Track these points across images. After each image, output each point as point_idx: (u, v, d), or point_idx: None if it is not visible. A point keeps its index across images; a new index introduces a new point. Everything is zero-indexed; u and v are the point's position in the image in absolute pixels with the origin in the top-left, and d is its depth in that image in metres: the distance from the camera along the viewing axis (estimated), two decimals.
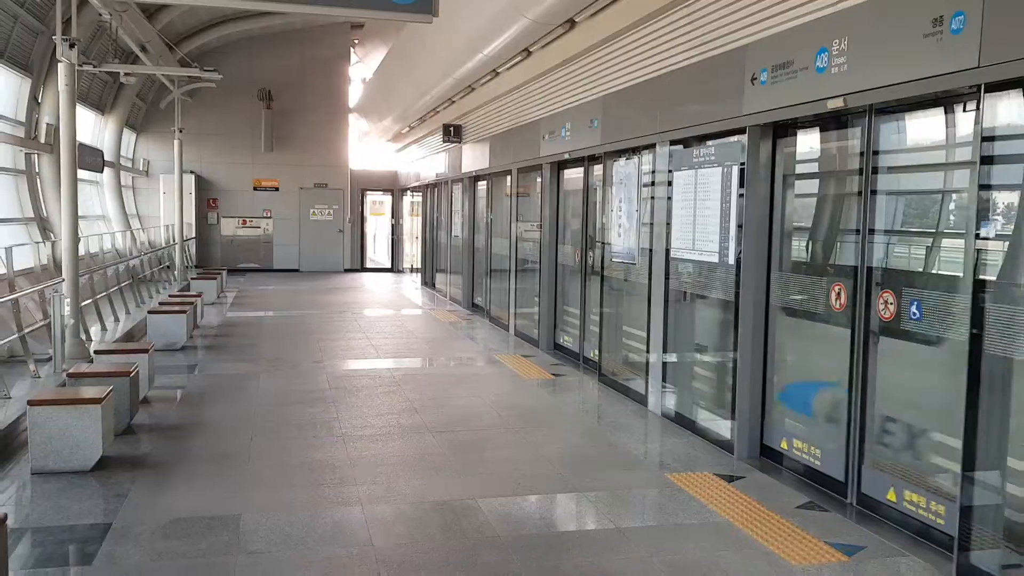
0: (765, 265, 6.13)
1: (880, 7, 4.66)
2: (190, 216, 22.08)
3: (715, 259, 6.60)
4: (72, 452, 5.59)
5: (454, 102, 15.39)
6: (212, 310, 14.57)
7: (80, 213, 12.99)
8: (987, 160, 4.03)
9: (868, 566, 4.33)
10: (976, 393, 4.10)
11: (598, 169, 9.28)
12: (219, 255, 23.41)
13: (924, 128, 4.83)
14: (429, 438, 6.71)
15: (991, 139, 4.01)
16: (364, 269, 24.93)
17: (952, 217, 4.68)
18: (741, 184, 6.18)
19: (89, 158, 15.43)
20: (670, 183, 7.31)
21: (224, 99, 21.79)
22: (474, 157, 14.72)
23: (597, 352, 9.30)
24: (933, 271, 4.81)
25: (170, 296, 13.23)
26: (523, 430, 7.09)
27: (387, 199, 25.87)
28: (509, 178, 12.74)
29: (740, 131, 6.15)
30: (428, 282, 20.63)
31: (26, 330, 8.08)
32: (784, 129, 5.97)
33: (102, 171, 17.56)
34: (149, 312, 10.76)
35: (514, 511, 5.15)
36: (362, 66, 26.02)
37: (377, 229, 27.01)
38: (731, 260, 6.34)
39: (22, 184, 12.95)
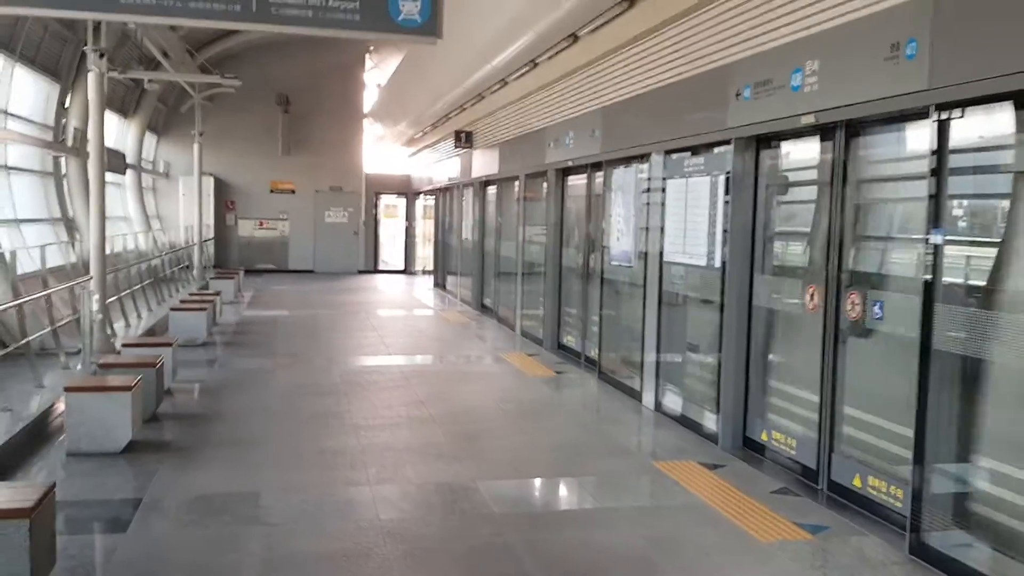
0: (748, 268, 6.55)
1: (846, 32, 5.08)
2: (208, 217, 22.62)
3: (703, 263, 7.02)
4: (104, 435, 6.06)
5: (465, 109, 15.85)
6: (230, 309, 15.09)
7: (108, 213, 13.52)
8: (936, 172, 4.44)
9: (829, 543, 4.75)
10: (926, 387, 4.51)
11: (599, 176, 9.72)
12: (236, 256, 23.97)
13: (887, 142, 5.25)
14: (434, 428, 7.16)
15: (939, 153, 4.42)
16: (377, 271, 25.44)
17: (908, 224, 5.08)
18: (727, 192, 6.60)
19: (113, 161, 15.96)
20: (664, 190, 7.73)
21: (242, 103, 22.31)
22: (484, 162, 15.18)
23: (597, 351, 9.73)
24: (892, 274, 5.22)
25: (190, 294, 13.75)
26: (523, 422, 7.53)
27: (401, 202, 26.37)
28: (517, 183, 13.19)
29: (726, 142, 6.57)
30: (440, 284, 21.10)
31: (57, 324, 8.58)
32: (767, 141, 6.39)
33: (124, 173, 18.12)
34: (171, 309, 11.28)
35: (510, 492, 5.60)
36: (377, 71, 26.53)
37: (391, 232, 27.50)
38: (717, 264, 6.76)
39: (49, 186, 13.50)
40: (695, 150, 7.19)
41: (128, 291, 12.09)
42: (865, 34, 4.90)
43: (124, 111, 18.40)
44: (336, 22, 5.79)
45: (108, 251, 13.51)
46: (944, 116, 4.36)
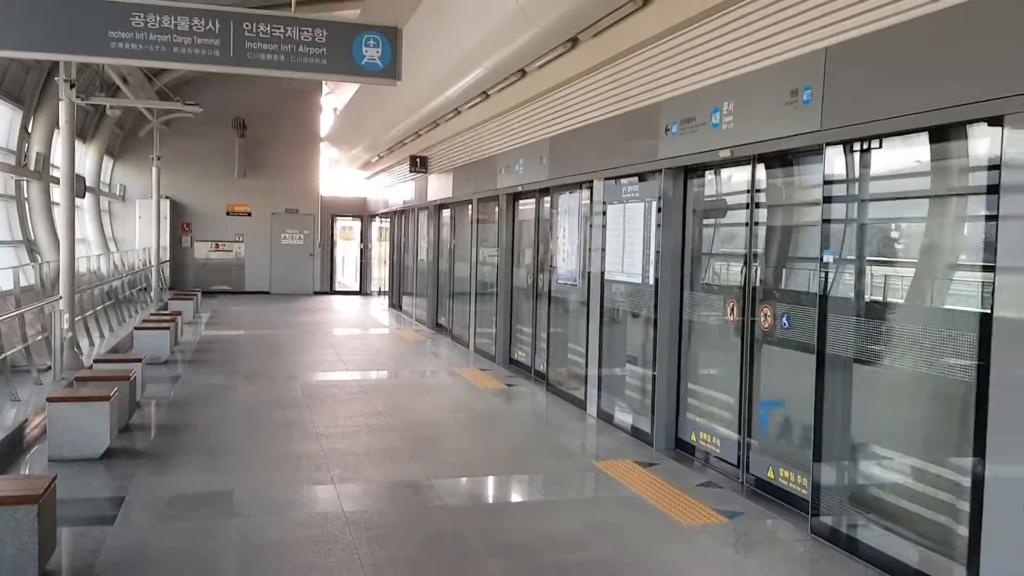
0: (679, 286, 7.25)
1: (756, 78, 5.81)
2: (165, 240, 22.83)
3: (639, 280, 7.71)
4: (85, 442, 6.50)
5: (420, 135, 16.47)
6: (189, 329, 15.42)
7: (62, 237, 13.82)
8: (827, 200, 5.17)
9: (743, 525, 5.41)
10: (822, 387, 5.21)
11: (547, 201, 10.40)
12: (192, 277, 24.20)
13: (790, 174, 5.99)
14: (392, 435, 7.71)
15: (830, 183, 5.16)
16: (333, 292, 25.82)
17: (808, 246, 5.81)
18: (659, 216, 7.30)
19: (82, 187, 16.26)
20: (604, 214, 8.42)
21: (199, 127, 22.63)
22: (439, 187, 15.79)
23: (546, 365, 10.36)
24: (796, 289, 5.94)
25: (152, 315, 14.08)
26: (475, 429, 8.11)
27: (356, 224, 26.83)
28: (470, 207, 13.82)
29: (658, 172, 7.28)
30: (395, 304, 21.60)
31: (29, 341, 8.94)
32: (693, 171, 7.11)
33: (84, 197, 18.35)
34: (135, 328, 11.65)
35: (462, 488, 6.19)
36: (333, 96, 27.05)
37: (346, 253, 27.91)
38: (651, 281, 7.46)
39: (12, 210, 13.77)
40: (631, 178, 7.89)
41: (91, 311, 12.40)
42: (771, 80, 5.64)
43: (83, 136, 18.65)
44: (305, 66, 6.39)
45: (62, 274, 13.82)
46: (832, 152, 5.11)
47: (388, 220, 22.89)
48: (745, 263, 6.26)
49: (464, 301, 14.34)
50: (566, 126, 9.40)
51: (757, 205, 6.17)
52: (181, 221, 24.23)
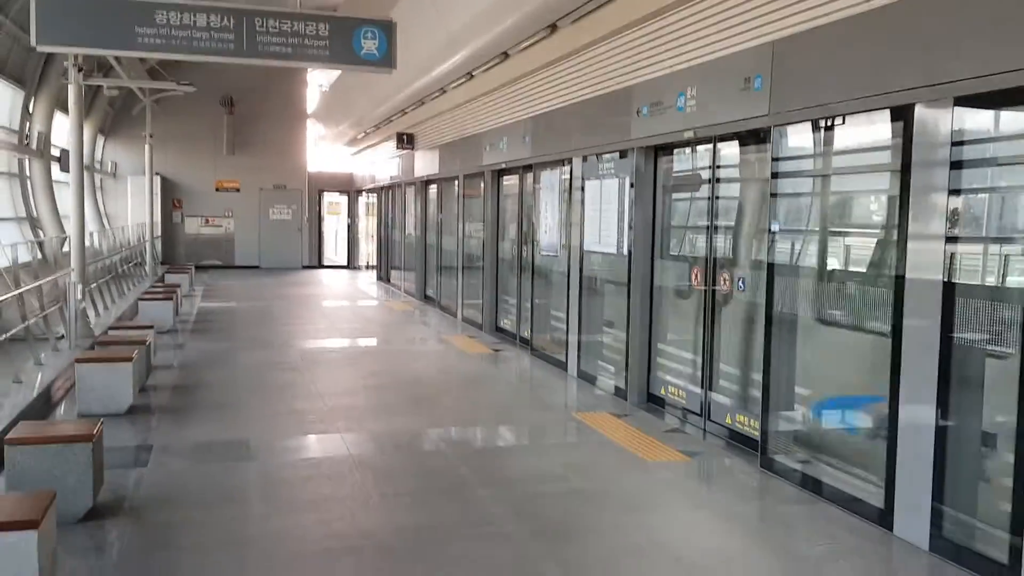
0: (650, 255, 7.96)
1: (715, 66, 6.48)
2: (156, 216, 23.32)
3: (615, 251, 8.41)
4: (110, 399, 7.16)
5: (407, 113, 17.02)
6: (186, 302, 16.01)
7: (62, 213, 14.42)
8: (775, 176, 5.88)
9: (700, 461, 6.18)
10: (770, 341, 5.94)
11: (530, 177, 11.06)
12: (184, 252, 24.72)
13: (746, 153, 6.68)
14: (388, 393, 8.41)
15: (777, 161, 5.86)
16: (321, 266, 26.41)
17: (759, 218, 6.52)
18: (632, 192, 7.99)
19: (67, 162, 16.74)
20: (583, 190, 9.10)
21: (188, 105, 23.01)
22: (425, 163, 16.40)
23: (530, 331, 11.07)
24: (751, 257, 6.66)
25: (152, 287, 14.68)
26: (465, 388, 8.84)
27: (343, 200, 27.36)
28: (457, 183, 14.45)
29: (631, 150, 7.96)
30: (383, 278, 22.23)
31: (47, 311, 9.55)
32: (662, 150, 7.79)
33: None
34: (139, 299, 12.27)
35: (455, 435, 6.92)
36: (319, 73, 27.45)
37: (334, 228, 28.44)
38: (625, 252, 8.16)
39: (15, 187, 14.29)
40: (607, 156, 8.57)
41: (95, 284, 12.97)
42: (728, 69, 6.31)
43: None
44: (310, 56, 7.03)
45: (68, 249, 14.37)
46: (777, 134, 5.81)
47: (375, 195, 23.46)
48: (707, 234, 6.97)
49: (452, 273, 15.01)
50: (547, 106, 10.04)
51: (717, 181, 6.87)
52: (172, 197, 24.70)
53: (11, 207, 14.13)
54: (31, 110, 14.43)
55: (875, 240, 5.40)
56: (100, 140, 22.48)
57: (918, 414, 4.60)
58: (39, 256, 12.47)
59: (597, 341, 9.09)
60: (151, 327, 9.35)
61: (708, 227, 6.96)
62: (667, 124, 7.20)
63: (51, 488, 4.10)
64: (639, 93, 7.68)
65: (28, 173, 14.68)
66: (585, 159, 9.05)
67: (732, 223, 6.92)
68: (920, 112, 4.57)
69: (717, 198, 6.89)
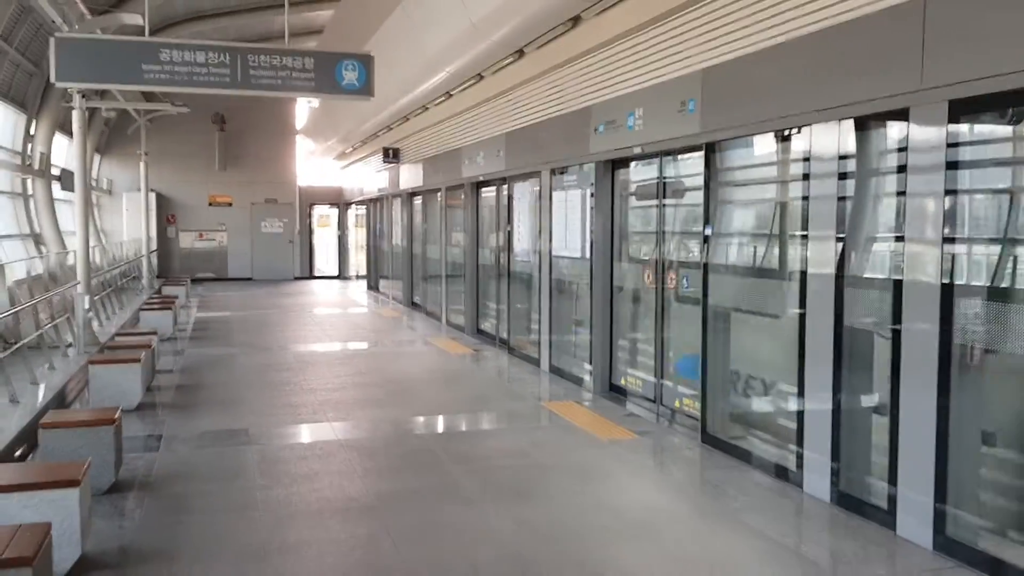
0: (609, 258, 8.77)
1: (658, 90, 7.30)
2: (151, 231, 24.06)
3: (579, 255, 9.23)
4: (121, 396, 7.92)
5: (392, 128, 17.85)
6: (182, 312, 16.75)
7: (62, 230, 15.17)
8: (709, 185, 6.70)
9: (649, 439, 6.98)
10: (707, 331, 6.76)
11: (505, 188, 11.88)
12: (178, 266, 25.48)
13: (686, 167, 7.50)
14: (374, 389, 9.20)
15: (708, 174, 6.69)
16: (313, 277, 27.19)
17: (696, 222, 7.34)
18: (592, 201, 8.81)
19: (66, 180, 17.50)
20: (551, 200, 9.92)
21: (181, 123, 23.75)
22: (410, 176, 17.21)
23: (507, 332, 11.87)
24: (693, 258, 7.48)
25: (151, 298, 15.43)
26: (446, 383, 9.62)
27: (333, 212, 28.16)
28: (439, 194, 15.27)
29: (590, 164, 8.78)
30: (373, 286, 23.02)
31: (56, 321, 10.31)
32: (618, 163, 8.61)
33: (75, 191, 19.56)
34: (141, 309, 13.03)
35: (433, 422, 7.71)
36: None
37: (324, 240, 29.22)
38: (588, 255, 8.97)
39: (19, 205, 15.04)
40: (571, 169, 9.39)
41: (98, 296, 13.73)
42: (668, 93, 7.14)
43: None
44: (297, 88, 7.86)
45: (71, 263, 15.12)
46: (709, 151, 6.64)
47: (364, 207, 24.26)
48: (657, 238, 7.79)
49: (436, 280, 15.81)
50: (519, 123, 10.87)
51: (664, 190, 7.70)
52: (166, 213, 25.47)
53: (15, 225, 14.87)
54: (32, 132, 15.19)
55: (787, 240, 6.22)
56: (96, 158, 23.22)
57: (821, 390, 5.41)
58: (42, 271, 13.20)
59: (566, 338, 9.89)
60: (155, 333, 10.12)
61: (658, 232, 7.78)
62: (620, 141, 8.02)
63: (88, 456, 4.86)
64: (596, 113, 8.50)
65: (31, 192, 15.42)
66: (552, 172, 9.87)
67: (677, 228, 7.74)
68: (815, 131, 5.40)
69: (665, 206, 7.71)
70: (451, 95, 12.96)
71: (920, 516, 4.62)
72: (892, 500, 4.84)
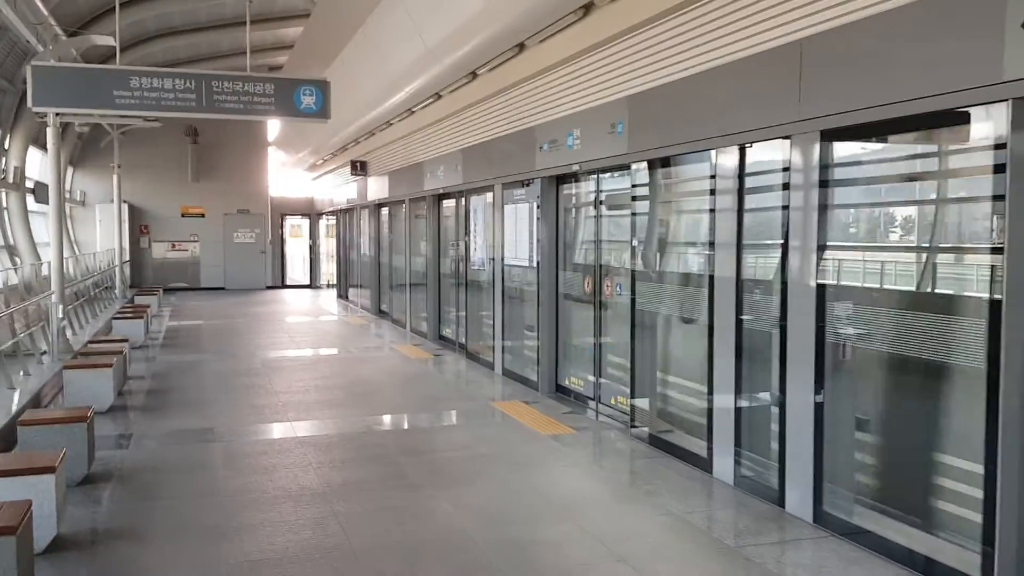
0: (555, 267, 9.40)
1: (593, 113, 7.95)
2: (124, 241, 24.43)
3: (527, 264, 9.86)
4: (94, 399, 8.41)
5: (359, 142, 18.44)
6: (155, 321, 17.19)
7: (36, 241, 15.60)
8: (635, 199, 7.35)
9: (584, 434, 7.61)
10: (634, 333, 7.40)
11: (464, 201, 12.49)
12: (151, 276, 25.84)
13: (617, 183, 8.15)
14: (336, 391, 9.76)
15: (635, 188, 7.34)
16: (285, 286, 27.64)
17: (626, 233, 7.99)
18: (539, 213, 9.44)
19: (42, 193, 17.91)
20: (503, 212, 10.54)
21: (154, 136, 24.17)
22: (377, 188, 17.79)
23: (465, 337, 12.47)
24: (624, 266, 8.13)
25: (123, 307, 15.87)
26: (404, 386, 10.20)
27: (305, 222, 28.65)
28: (404, 206, 15.86)
29: (537, 179, 9.41)
30: (343, 295, 23.53)
31: (31, 329, 10.77)
32: (561, 179, 9.25)
33: (49, 203, 19.94)
34: (113, 318, 13.48)
35: (388, 420, 8.29)
36: None
37: (296, 250, 29.68)
38: (535, 264, 9.60)
39: None
40: (520, 183, 10.02)
41: (71, 306, 14.17)
42: (601, 116, 7.79)
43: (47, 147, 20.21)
44: (258, 111, 8.45)
45: (45, 273, 15.53)
46: (634, 168, 7.29)
47: (334, 218, 24.79)
48: (595, 248, 8.43)
49: (402, 289, 16.39)
50: (474, 140, 11.49)
51: (600, 203, 8.35)
52: (139, 224, 25.84)
53: None
54: (7, 146, 15.61)
55: (699, 250, 6.87)
56: (70, 171, 23.57)
57: (726, 385, 6.06)
58: (18, 281, 13.63)
59: (518, 343, 10.51)
60: (126, 340, 10.61)
61: (595, 242, 8.43)
62: (561, 159, 8.66)
63: (63, 448, 5.40)
64: (541, 132, 9.14)
65: (5, 205, 15.82)
66: (504, 186, 10.50)
67: (612, 239, 8.39)
68: (719, 154, 6.06)
69: (601, 217, 8.36)
70: (413, 112, 13.57)
71: (802, 493, 5.27)
72: (782, 480, 5.49)
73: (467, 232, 12.35)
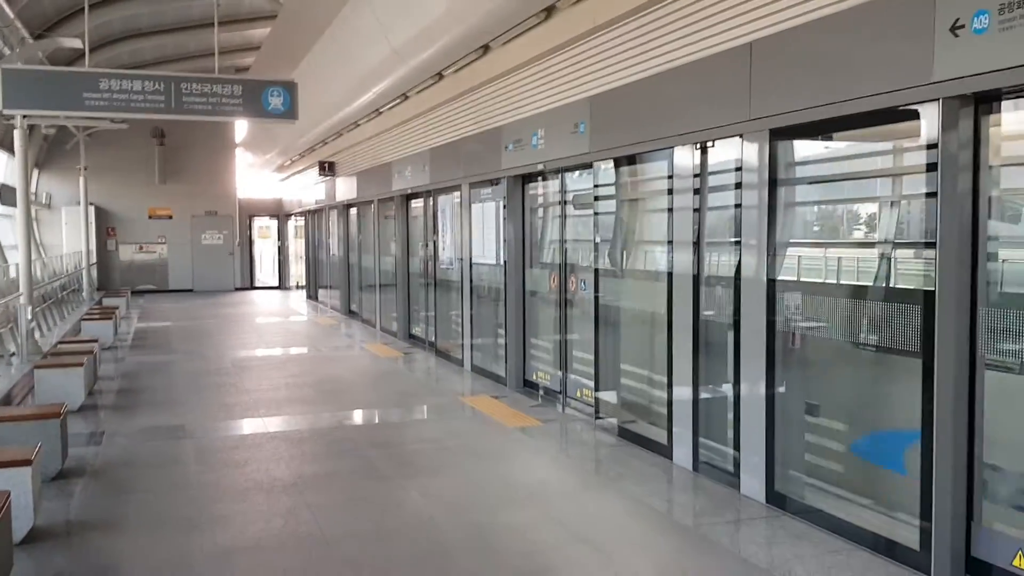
0: (521, 265, 9.60)
1: (556, 113, 8.16)
2: (92, 244, 24.25)
3: (495, 262, 10.05)
4: (65, 397, 8.40)
5: (327, 143, 18.52)
6: (123, 323, 17.15)
7: (1, 243, 15.52)
8: (599, 199, 7.57)
9: (550, 425, 7.82)
10: (598, 326, 7.62)
11: (432, 201, 12.66)
12: (119, 278, 25.69)
13: (583, 181, 8.38)
14: (307, 389, 9.88)
15: (597, 187, 7.56)
16: (254, 287, 27.60)
17: (591, 231, 8.21)
18: (505, 212, 9.64)
19: (7, 196, 17.78)
20: (470, 211, 10.73)
21: (120, 137, 23.98)
22: (346, 188, 17.89)
23: (434, 335, 12.64)
24: (587, 264, 8.35)
25: (91, 309, 15.83)
26: (374, 383, 10.35)
27: (273, 223, 28.61)
28: (373, 206, 15.99)
29: (503, 179, 9.61)
30: (312, 296, 23.57)
31: (2, 329, 10.77)
32: (527, 178, 9.46)
33: (16, 206, 19.76)
34: (82, 319, 13.47)
35: (357, 416, 8.44)
36: None
37: (264, 251, 29.62)
38: (503, 262, 9.79)
39: None
40: (487, 183, 10.21)
41: (39, 308, 14.13)
42: (563, 116, 8.01)
43: (12, 149, 20.04)
44: (227, 112, 8.57)
45: (13, 276, 15.44)
46: (596, 166, 7.52)
47: (303, 219, 24.81)
48: (560, 246, 8.65)
49: (371, 289, 16.51)
50: (442, 140, 11.66)
51: (565, 202, 8.56)
52: (106, 226, 25.66)
53: None
54: None
55: (659, 247, 7.11)
56: (35, 173, 23.37)
57: (684, 375, 6.29)
58: None
59: (486, 339, 10.69)
60: (96, 341, 10.64)
61: (560, 240, 8.64)
62: (526, 158, 8.86)
63: (38, 442, 5.50)
64: (506, 132, 9.34)
65: None
66: (471, 185, 10.68)
67: (576, 236, 8.60)
68: (677, 153, 6.30)
69: (566, 216, 8.57)
70: (380, 112, 13.71)
71: (756, 475, 5.51)
72: (737, 464, 5.73)
73: (435, 232, 12.52)
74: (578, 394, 8.39)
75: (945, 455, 4.20)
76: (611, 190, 7.58)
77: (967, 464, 4.20)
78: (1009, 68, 3.78)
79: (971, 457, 4.20)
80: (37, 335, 13.01)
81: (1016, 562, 4.03)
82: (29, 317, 11.08)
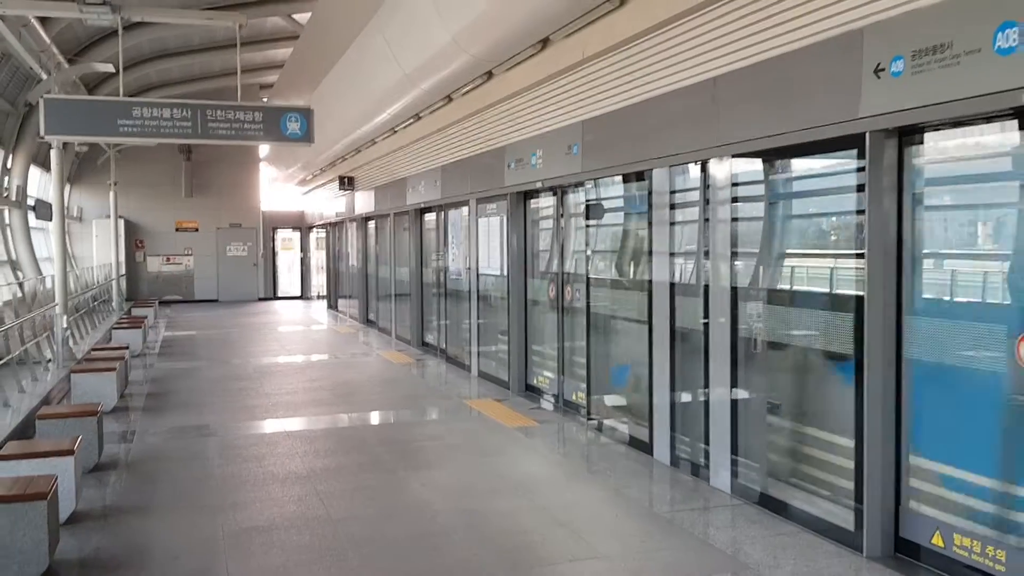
0: (523, 275, 10.21)
1: (553, 135, 8.76)
2: (121, 256, 25.16)
3: (499, 273, 10.66)
4: (99, 398, 9.16)
5: (346, 159, 19.26)
6: (151, 331, 17.94)
7: (37, 256, 16.37)
8: (586, 214, 8.16)
9: (547, 425, 8.40)
10: (590, 333, 8.20)
11: (443, 215, 13.31)
12: (147, 289, 26.59)
13: (578, 198, 8.97)
14: (323, 392, 10.53)
15: (586, 203, 8.15)
16: (277, 297, 28.41)
17: (584, 243, 8.79)
18: (508, 226, 10.25)
19: (43, 210, 18.65)
20: (477, 225, 11.35)
21: (149, 154, 24.91)
22: (364, 202, 18.59)
23: (445, 343, 13.26)
24: (581, 273, 8.93)
25: (121, 318, 16.62)
26: (386, 387, 10.99)
27: (296, 235, 29.44)
28: (389, 220, 16.67)
29: (506, 195, 10.23)
30: (333, 306, 24.30)
31: (39, 337, 11.52)
32: (528, 195, 10.07)
33: (51, 220, 20.68)
34: (112, 328, 14.23)
35: (369, 417, 9.07)
36: None
37: (287, 262, 30.46)
38: (506, 273, 10.40)
39: None
40: (492, 198, 10.84)
41: (73, 317, 14.92)
42: (559, 138, 8.61)
43: (47, 166, 20.96)
44: (248, 137, 9.29)
45: (48, 287, 16.26)
46: (588, 186, 8.12)
47: (324, 231, 25.58)
48: (559, 257, 9.25)
49: (387, 299, 17.18)
50: (452, 158, 12.31)
51: (561, 216, 9.17)
52: (135, 238, 26.59)
53: None
54: (9, 166, 16.37)
55: (641, 257, 7.68)
56: (67, 187, 24.32)
57: (663, 376, 6.86)
58: (23, 294, 14.38)
59: (491, 346, 11.30)
60: (127, 347, 11.37)
61: (560, 252, 9.24)
62: (526, 176, 9.47)
63: (78, 435, 6.17)
64: (509, 152, 9.96)
65: (8, 221, 16.57)
66: (478, 200, 11.31)
67: (571, 248, 9.20)
68: (655, 174, 6.88)
69: (560, 231, 9.17)
70: (395, 131, 14.40)
71: (723, 468, 6.07)
72: (707, 458, 6.29)
73: (446, 244, 13.16)
74: (573, 396, 8.96)
75: (874, 445, 4.75)
76: (605, 204, 8.17)
77: (895, 454, 4.75)
78: (922, 106, 4.34)
79: (898, 447, 4.75)
80: (71, 343, 13.78)
81: (934, 540, 4.56)
82: (64, 326, 11.83)
